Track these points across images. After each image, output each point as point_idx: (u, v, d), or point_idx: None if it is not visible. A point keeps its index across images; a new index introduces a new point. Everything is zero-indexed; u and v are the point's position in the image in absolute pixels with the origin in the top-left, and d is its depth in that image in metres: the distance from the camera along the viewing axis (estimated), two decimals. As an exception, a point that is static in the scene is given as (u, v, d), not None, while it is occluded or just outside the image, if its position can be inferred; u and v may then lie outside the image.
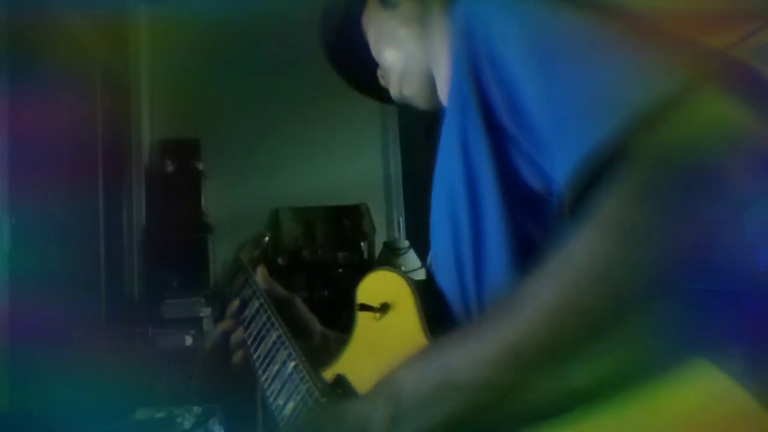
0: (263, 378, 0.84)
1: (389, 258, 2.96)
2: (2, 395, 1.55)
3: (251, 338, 0.91)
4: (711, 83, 0.44)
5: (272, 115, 3.41)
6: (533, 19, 0.53)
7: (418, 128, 3.92)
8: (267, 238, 1.14)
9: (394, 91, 0.82)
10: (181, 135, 3.22)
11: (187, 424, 1.84)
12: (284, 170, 3.36)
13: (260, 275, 1.00)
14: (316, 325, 0.98)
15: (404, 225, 3.57)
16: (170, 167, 3.15)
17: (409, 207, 3.61)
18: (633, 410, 0.45)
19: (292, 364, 0.80)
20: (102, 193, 2.56)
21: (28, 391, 1.63)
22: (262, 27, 3.30)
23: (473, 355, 0.48)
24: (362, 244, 3.25)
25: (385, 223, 3.54)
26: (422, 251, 3.01)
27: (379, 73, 0.83)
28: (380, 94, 0.87)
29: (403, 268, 2.80)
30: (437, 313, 0.65)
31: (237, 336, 0.94)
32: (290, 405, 0.76)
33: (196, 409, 1.94)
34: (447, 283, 0.64)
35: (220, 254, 3.02)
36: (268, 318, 0.90)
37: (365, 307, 0.70)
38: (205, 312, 2.83)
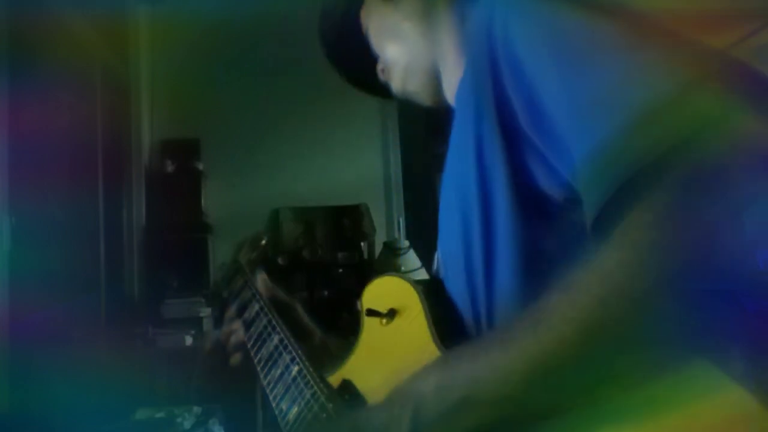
0: (265, 381, 0.83)
1: (389, 258, 2.96)
2: (2, 395, 1.55)
3: (252, 341, 0.90)
4: (728, 89, 0.43)
5: (272, 115, 3.41)
6: (554, 22, 0.52)
7: (418, 128, 3.92)
8: (264, 240, 1.14)
9: (396, 87, 0.80)
10: (181, 135, 3.21)
11: (187, 424, 1.84)
12: (284, 170, 3.36)
13: (260, 281, 0.99)
14: (316, 331, 0.97)
15: (404, 225, 3.57)
16: (170, 167, 3.15)
17: (409, 207, 3.61)
18: (635, 411, 0.45)
19: (296, 368, 0.79)
20: (102, 193, 2.56)
21: (28, 391, 1.62)
22: (262, 27, 3.30)
23: (499, 368, 0.48)
24: (362, 244, 3.25)
25: (385, 223, 3.54)
26: (422, 251, 3.02)
27: (380, 67, 0.81)
28: (378, 89, 0.86)
29: (403, 268, 2.80)
30: (445, 318, 0.64)
31: (237, 338, 0.94)
32: (294, 410, 0.75)
33: (196, 409, 1.94)
34: (456, 287, 0.64)
35: (220, 254, 3.01)
36: (269, 321, 0.89)
37: (373, 313, 0.69)
38: (205, 312, 2.83)
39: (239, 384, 0.95)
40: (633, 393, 0.45)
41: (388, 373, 0.56)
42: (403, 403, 0.53)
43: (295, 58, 3.40)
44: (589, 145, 0.47)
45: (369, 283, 0.73)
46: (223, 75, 3.32)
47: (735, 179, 0.42)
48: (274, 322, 0.88)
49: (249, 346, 0.90)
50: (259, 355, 0.87)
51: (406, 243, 3.08)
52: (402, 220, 3.57)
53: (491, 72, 0.55)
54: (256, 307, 0.93)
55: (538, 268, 0.49)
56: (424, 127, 4.03)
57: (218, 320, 2.84)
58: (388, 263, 2.88)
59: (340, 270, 3.16)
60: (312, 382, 0.75)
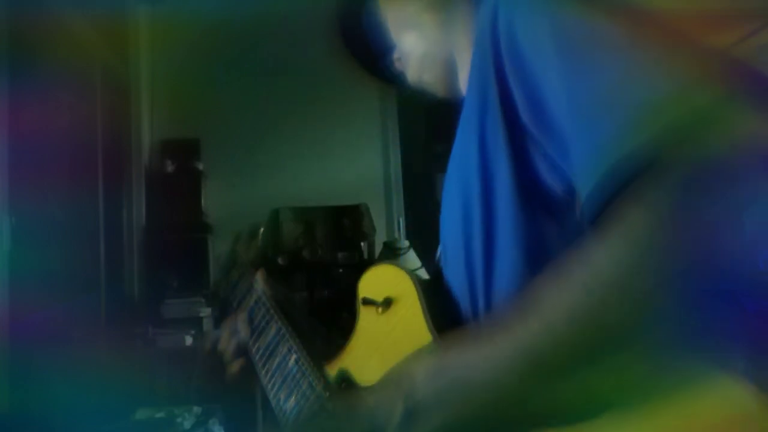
0: (263, 372, 0.84)
1: (389, 258, 2.96)
2: (2, 395, 1.55)
3: (249, 333, 0.90)
4: (730, 89, 0.44)
5: (272, 115, 3.41)
6: (557, 18, 0.52)
7: (418, 128, 3.92)
8: (261, 231, 1.14)
9: (412, 76, 0.80)
10: (181, 135, 3.21)
11: (187, 424, 1.84)
12: (284, 170, 3.36)
13: (260, 279, 0.99)
14: (318, 328, 0.98)
15: (404, 225, 3.57)
16: (170, 167, 3.15)
17: (409, 207, 3.61)
18: (636, 411, 0.45)
19: (293, 357, 0.80)
20: (102, 193, 2.56)
21: (28, 391, 1.62)
22: (262, 27, 3.30)
23: (491, 355, 0.48)
24: (362, 244, 3.25)
25: (385, 223, 3.54)
26: (422, 251, 3.01)
27: (395, 56, 0.81)
28: (390, 78, 0.86)
29: (403, 268, 2.80)
30: (443, 308, 0.64)
31: (235, 344, 0.93)
32: (291, 399, 0.76)
33: (196, 409, 1.94)
34: (455, 278, 0.64)
35: (220, 253, 3.01)
36: (267, 311, 0.89)
37: (368, 301, 0.70)
38: (205, 312, 2.83)
39: (239, 384, 0.95)
40: (630, 390, 0.45)
41: (384, 361, 0.56)
42: (396, 387, 0.53)
43: (295, 58, 3.41)
44: (587, 140, 0.47)
45: (365, 272, 0.73)
46: (223, 75, 3.32)
47: (735, 179, 0.42)
48: (272, 312, 0.89)
49: (247, 337, 0.90)
50: (257, 345, 0.87)
51: (406, 243, 3.07)
52: (402, 220, 3.57)
53: (495, 66, 0.56)
54: (254, 297, 0.94)
55: (538, 260, 0.50)
56: (424, 127, 4.03)
57: (218, 320, 2.84)
58: (388, 263, 2.88)
59: (340, 270, 3.16)
60: (309, 371, 0.76)
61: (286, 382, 0.79)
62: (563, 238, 0.48)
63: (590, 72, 0.48)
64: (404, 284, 0.67)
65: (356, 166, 3.47)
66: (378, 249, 3.17)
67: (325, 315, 2.86)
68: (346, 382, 0.73)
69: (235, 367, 0.93)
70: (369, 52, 0.85)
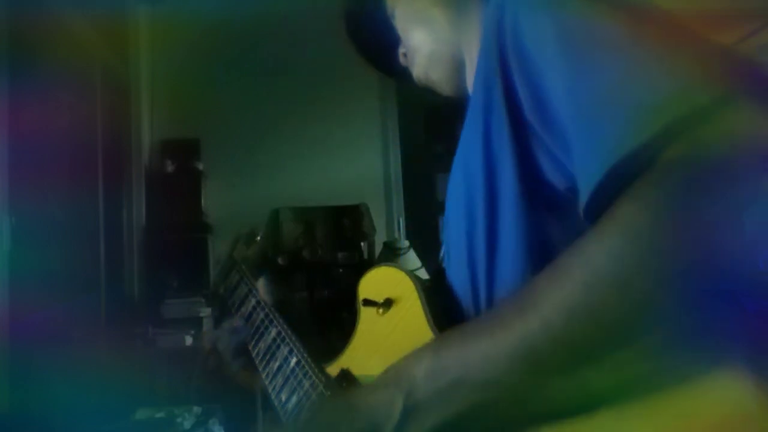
0: (264, 374, 0.84)
1: (389, 258, 2.96)
2: (2, 395, 1.55)
3: (249, 335, 0.90)
4: (733, 87, 0.44)
5: (272, 115, 3.41)
6: (562, 16, 0.52)
7: (418, 128, 3.92)
8: (259, 236, 1.14)
9: (418, 73, 0.80)
10: (181, 135, 3.21)
11: (187, 424, 1.84)
12: (284, 170, 3.36)
13: (260, 284, 0.99)
14: (317, 330, 0.98)
15: (404, 225, 3.57)
16: (170, 167, 3.15)
17: (409, 207, 3.61)
18: (636, 410, 0.45)
19: (294, 359, 0.80)
20: (102, 193, 2.56)
21: (28, 391, 1.62)
22: (262, 27, 3.30)
23: (488, 351, 0.48)
24: (362, 244, 3.24)
25: (385, 223, 3.54)
26: (422, 251, 3.01)
27: (402, 51, 0.81)
28: (395, 71, 0.85)
29: (403, 268, 2.80)
30: (445, 308, 0.64)
31: (234, 345, 0.93)
32: (293, 399, 0.76)
33: (196, 409, 1.94)
34: (458, 277, 0.64)
35: (220, 254, 3.01)
36: (266, 315, 0.90)
37: (369, 302, 0.71)
38: (205, 312, 2.83)
39: (239, 385, 0.95)
40: (629, 388, 0.45)
41: (385, 361, 0.56)
42: (395, 385, 0.53)
43: (295, 58, 3.41)
44: (589, 139, 0.48)
45: (365, 274, 0.74)
46: (223, 75, 3.32)
47: (735, 179, 0.42)
48: (271, 316, 0.89)
49: (247, 340, 0.90)
50: (257, 349, 0.88)
51: (406, 243, 3.07)
52: (402, 220, 3.57)
53: (500, 63, 0.56)
54: (253, 301, 0.94)
55: (540, 258, 0.50)
56: (424, 127, 4.03)
57: (218, 320, 2.84)
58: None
59: (340, 270, 3.16)
60: (310, 372, 0.77)
61: (287, 383, 0.79)
62: (566, 237, 0.48)
63: (593, 70, 0.49)
64: (404, 285, 0.68)
65: (356, 166, 3.46)
66: (378, 249, 3.17)
67: (325, 315, 2.86)
68: (347, 381, 0.73)
69: (234, 368, 0.93)
70: (375, 46, 0.84)
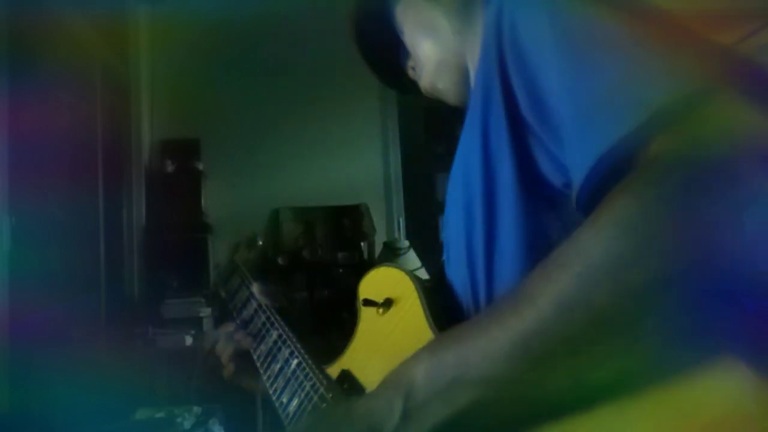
0: (265, 376, 0.84)
1: (389, 258, 2.96)
2: (2, 395, 1.55)
3: (251, 338, 0.91)
4: (729, 85, 0.44)
5: (272, 115, 3.41)
6: (560, 13, 0.53)
7: (418, 128, 3.92)
8: (260, 240, 1.14)
9: (425, 84, 0.80)
10: (181, 135, 3.21)
11: (187, 424, 1.84)
12: (284, 170, 3.36)
13: (260, 289, 0.98)
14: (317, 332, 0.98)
15: (404, 225, 3.57)
16: (170, 167, 3.15)
17: (409, 207, 3.61)
18: (634, 408, 0.45)
19: (295, 361, 0.80)
20: (102, 193, 2.56)
21: (28, 391, 1.63)
22: (262, 27, 3.30)
23: (485, 348, 0.48)
24: (362, 244, 3.24)
25: (385, 223, 3.54)
26: (422, 251, 3.01)
27: (410, 64, 0.81)
28: (405, 86, 0.85)
29: (403, 268, 2.80)
30: (445, 307, 0.65)
31: (234, 347, 0.93)
32: (295, 402, 0.76)
33: (196, 409, 1.94)
34: (457, 276, 0.64)
35: (220, 254, 3.01)
36: (267, 318, 0.90)
37: (369, 303, 0.71)
38: (205, 312, 2.83)
39: (238, 385, 0.96)
40: (625, 381, 0.45)
41: (386, 361, 0.56)
42: (394, 388, 0.53)
43: (295, 58, 3.41)
44: (581, 133, 0.48)
45: (365, 274, 0.74)
46: (223, 75, 3.32)
47: (735, 179, 0.42)
48: (272, 319, 0.89)
49: (248, 343, 0.91)
50: (258, 351, 0.88)
51: (406, 243, 3.07)
52: (402, 220, 3.57)
53: (499, 62, 0.56)
54: (254, 305, 0.94)
55: (539, 254, 0.50)
56: (424, 127, 4.03)
57: (218, 320, 2.84)
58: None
59: (340, 270, 3.16)
60: (311, 374, 0.77)
61: (288, 385, 0.79)
62: (564, 234, 0.48)
63: (587, 67, 0.49)
64: (404, 285, 0.68)
65: (356, 166, 3.47)
66: (378, 249, 3.18)
67: (325, 315, 2.86)
68: (348, 383, 0.73)
69: (233, 369, 0.93)
70: (385, 61, 0.85)
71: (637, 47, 0.48)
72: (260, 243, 1.14)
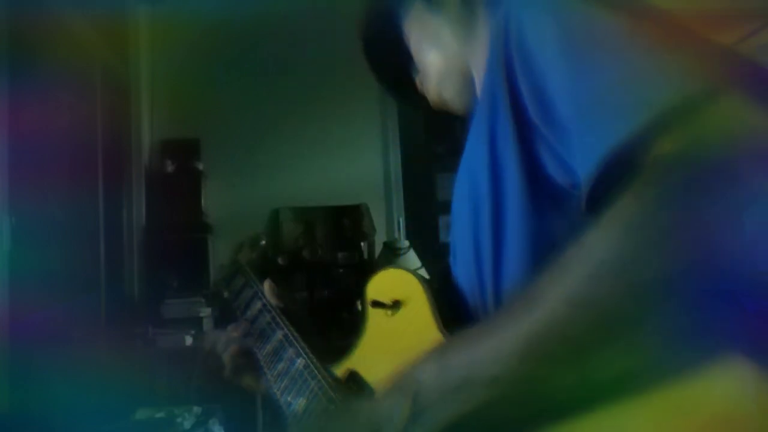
0: (270, 375, 0.84)
1: (389, 258, 2.96)
2: (2, 395, 1.55)
3: (255, 338, 0.91)
4: (732, 86, 0.44)
5: (272, 115, 3.41)
6: (564, 16, 0.54)
7: (418, 128, 3.92)
8: (263, 241, 1.15)
9: (432, 95, 0.81)
10: (181, 135, 3.21)
11: (187, 424, 1.84)
12: (284, 170, 3.36)
13: (267, 288, 0.98)
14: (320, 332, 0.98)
15: (404, 225, 3.57)
16: (170, 167, 3.15)
17: (409, 207, 3.61)
18: (635, 407, 0.46)
19: (301, 361, 0.80)
20: (102, 193, 2.56)
21: (28, 391, 1.63)
22: (262, 27, 3.30)
23: (496, 349, 0.48)
24: (362, 244, 3.25)
25: (385, 223, 3.54)
26: (422, 251, 3.01)
27: (418, 78, 0.83)
28: (415, 99, 0.87)
29: (403, 268, 2.80)
30: (452, 308, 0.65)
31: (235, 348, 0.93)
32: (300, 401, 0.77)
33: (196, 409, 1.94)
34: (465, 277, 0.65)
35: (220, 254, 3.01)
36: (273, 318, 0.90)
37: (377, 304, 0.71)
38: (205, 312, 2.83)
39: (239, 385, 0.96)
40: (632, 378, 0.45)
41: (394, 362, 0.57)
42: (403, 390, 0.53)
43: (295, 58, 3.41)
44: (586, 132, 0.49)
45: (372, 276, 0.74)
46: (223, 75, 3.32)
47: (735, 178, 0.42)
48: (277, 319, 0.89)
49: (252, 343, 0.91)
50: (263, 351, 0.88)
51: (406, 243, 3.07)
52: (402, 220, 3.57)
53: (506, 64, 0.57)
54: (258, 305, 0.94)
55: (545, 254, 0.50)
56: (424, 127, 4.03)
57: (218, 320, 2.84)
58: (388, 263, 2.88)
59: (340, 270, 3.16)
60: (317, 373, 0.77)
61: (294, 385, 0.79)
62: (570, 234, 0.48)
63: (592, 68, 0.50)
64: (412, 286, 0.68)
65: (356, 166, 3.46)
66: (378, 249, 3.18)
67: (325, 315, 2.86)
68: (355, 383, 0.73)
69: (235, 368, 0.93)
70: (397, 78, 0.86)
71: (641, 48, 0.49)
72: (263, 243, 1.14)
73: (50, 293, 1.89)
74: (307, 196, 3.25)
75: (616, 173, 0.46)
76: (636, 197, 0.44)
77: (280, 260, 3.00)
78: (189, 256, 2.97)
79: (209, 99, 3.24)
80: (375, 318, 0.73)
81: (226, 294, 1.07)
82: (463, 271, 0.65)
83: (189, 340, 2.69)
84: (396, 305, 0.69)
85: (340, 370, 0.76)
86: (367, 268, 3.14)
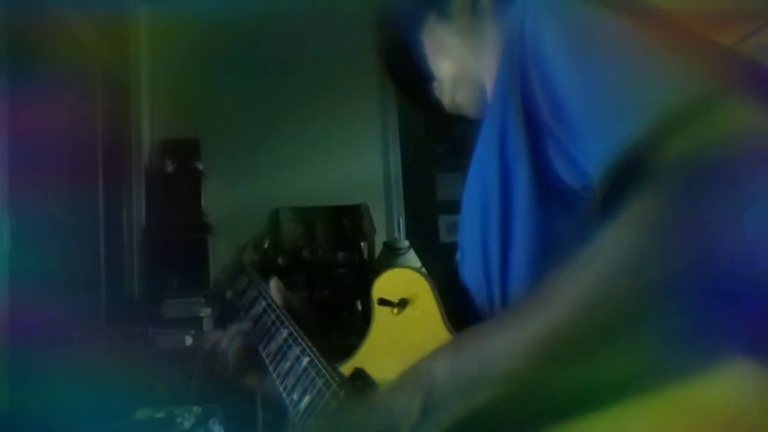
0: (275, 374, 0.84)
1: (389, 258, 2.96)
2: (2, 395, 1.55)
3: (259, 337, 0.91)
4: (738, 88, 0.45)
5: (272, 115, 3.41)
6: (579, 20, 0.55)
7: (418, 128, 3.92)
8: (266, 242, 1.15)
9: (446, 101, 0.84)
10: (181, 135, 3.21)
11: (187, 424, 1.85)
12: (284, 170, 3.36)
13: (275, 288, 0.99)
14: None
15: (404, 225, 3.57)
16: (170, 167, 3.15)
17: (409, 207, 3.61)
18: (640, 407, 0.46)
19: (306, 359, 0.81)
20: (102, 193, 2.56)
21: (28, 391, 1.63)
22: (262, 27, 3.30)
23: (507, 346, 0.49)
24: (362, 244, 3.25)
25: (385, 223, 3.54)
26: (422, 251, 3.01)
27: (435, 85, 0.85)
28: (433, 105, 0.89)
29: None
30: (459, 307, 0.65)
31: (237, 347, 0.94)
32: (306, 399, 0.77)
33: (196, 409, 1.94)
34: (472, 275, 0.65)
35: (220, 254, 3.02)
36: (277, 317, 0.90)
37: (384, 302, 0.71)
38: (205, 312, 2.83)
39: (241, 385, 0.96)
40: (641, 376, 0.46)
41: (400, 361, 0.57)
42: (414, 383, 0.54)
43: (295, 58, 3.41)
44: (597, 133, 0.50)
45: (379, 275, 0.75)
46: (223, 75, 3.32)
47: (736, 178, 0.42)
48: (282, 318, 0.90)
49: (256, 341, 0.91)
50: (267, 350, 0.88)
51: (406, 243, 3.07)
52: (402, 220, 3.57)
53: (520, 67, 0.58)
54: (263, 304, 0.95)
55: (553, 255, 0.51)
56: (424, 127, 4.03)
57: (218, 320, 2.85)
58: (388, 263, 2.88)
59: (340, 270, 3.16)
60: (323, 371, 0.77)
61: (300, 383, 0.79)
62: (579, 235, 0.49)
63: (604, 70, 0.51)
64: (420, 286, 0.69)
65: (356, 166, 3.47)
66: (378, 249, 3.18)
67: (325, 315, 2.86)
68: (361, 380, 0.74)
69: (238, 367, 0.93)
70: (414, 84, 0.88)
71: (651, 50, 0.50)
72: (266, 245, 1.15)
73: (50, 293, 1.89)
74: (307, 196, 3.26)
75: (627, 174, 0.46)
76: (649, 199, 0.44)
77: (280, 260, 3.00)
78: (189, 256, 2.97)
79: (209, 99, 3.24)
80: (381, 316, 0.73)
81: (229, 294, 1.07)
82: (470, 271, 0.66)
83: (189, 340, 2.69)
84: (402, 303, 0.70)
85: (346, 369, 0.77)
86: (367, 268, 3.15)
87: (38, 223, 1.84)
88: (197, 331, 2.76)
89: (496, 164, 0.61)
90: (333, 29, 3.32)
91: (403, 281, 0.72)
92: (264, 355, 0.88)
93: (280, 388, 0.82)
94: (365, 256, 3.24)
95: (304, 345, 0.83)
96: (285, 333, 0.87)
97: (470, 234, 0.65)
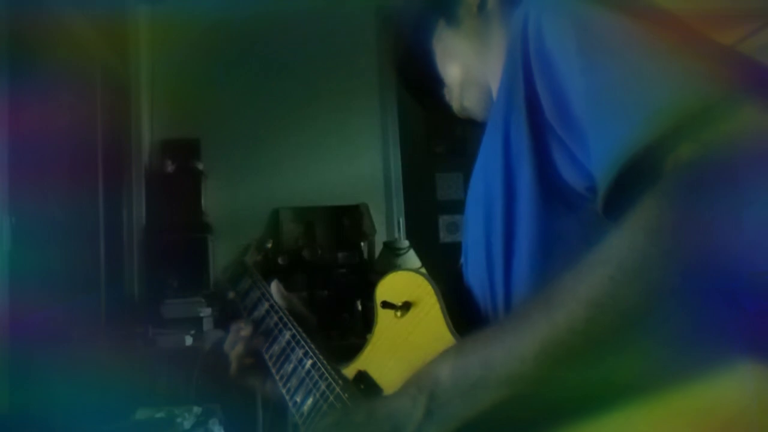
0: (278, 376, 0.84)
1: (389, 258, 2.96)
2: (2, 395, 1.55)
3: (262, 338, 0.91)
4: (748, 91, 0.45)
5: (272, 115, 3.41)
6: (584, 19, 0.54)
7: (418, 128, 3.92)
8: (270, 244, 1.15)
9: (455, 105, 0.84)
10: (181, 135, 3.21)
11: (187, 424, 1.85)
12: (284, 170, 3.36)
13: (276, 291, 0.99)
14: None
15: (404, 225, 3.57)
16: (170, 167, 3.15)
17: (409, 207, 3.61)
18: (637, 409, 0.46)
19: (309, 361, 0.81)
20: (102, 193, 2.56)
21: (28, 391, 1.63)
22: (262, 27, 3.30)
23: (513, 348, 0.49)
24: (362, 244, 3.25)
25: (385, 223, 3.54)
26: (422, 251, 3.01)
27: (445, 90, 0.86)
28: (443, 110, 0.89)
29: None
30: (463, 310, 0.65)
31: (241, 347, 0.94)
32: (309, 401, 0.77)
33: (196, 409, 1.94)
34: (476, 278, 0.65)
35: (220, 254, 3.02)
36: (280, 319, 0.90)
37: (387, 305, 0.71)
38: (205, 312, 2.83)
39: (243, 386, 0.96)
40: (648, 378, 0.46)
41: (404, 364, 0.57)
42: (418, 388, 0.54)
43: (295, 58, 3.41)
44: (605, 135, 0.49)
45: (383, 277, 0.75)
46: (223, 75, 3.32)
47: (737, 179, 0.42)
48: (285, 320, 0.90)
49: (259, 343, 0.91)
50: (270, 352, 0.88)
51: (406, 243, 3.07)
52: (402, 220, 3.57)
53: (523, 67, 0.58)
54: (266, 305, 0.95)
55: (557, 256, 0.50)
56: (424, 127, 4.03)
57: (218, 320, 2.85)
58: (388, 263, 2.89)
59: (340, 270, 3.16)
60: (326, 374, 0.77)
61: (303, 385, 0.79)
62: (583, 237, 0.49)
63: (610, 72, 0.51)
64: (423, 288, 0.69)
65: (356, 166, 3.46)
66: (378, 249, 3.18)
67: (325, 315, 2.86)
68: (364, 383, 0.74)
69: (240, 368, 0.93)
70: (427, 91, 0.88)
71: (659, 52, 0.50)
72: (269, 246, 1.15)
73: (50, 293, 1.89)
74: (307, 196, 3.26)
75: (634, 177, 0.46)
76: (657, 202, 0.44)
77: (280, 260, 3.00)
78: (189, 256, 2.97)
79: (209, 99, 3.24)
80: (385, 319, 0.73)
81: (231, 295, 1.07)
82: (474, 273, 0.66)
83: (189, 340, 2.69)
84: (406, 306, 0.70)
85: (349, 371, 0.77)
86: (367, 268, 3.15)
87: (38, 223, 1.84)
88: (197, 331, 2.76)
89: (500, 165, 0.61)
90: (333, 29, 3.32)
91: (406, 284, 0.71)
92: (267, 356, 0.88)
93: (283, 390, 0.82)
94: (365, 256, 3.24)
95: (307, 347, 0.83)
96: (288, 335, 0.87)
97: (474, 236, 0.65)
